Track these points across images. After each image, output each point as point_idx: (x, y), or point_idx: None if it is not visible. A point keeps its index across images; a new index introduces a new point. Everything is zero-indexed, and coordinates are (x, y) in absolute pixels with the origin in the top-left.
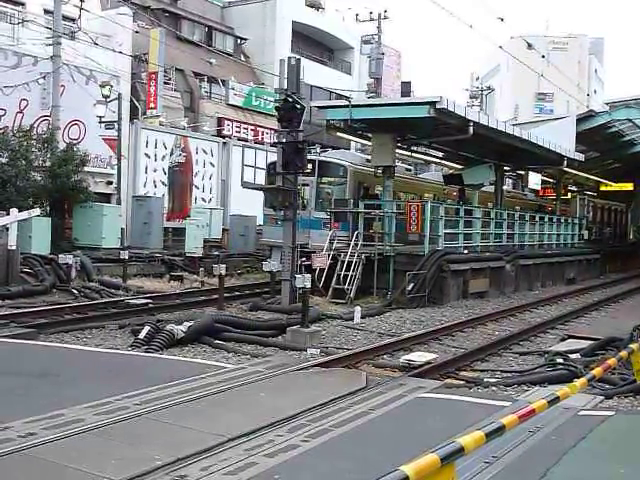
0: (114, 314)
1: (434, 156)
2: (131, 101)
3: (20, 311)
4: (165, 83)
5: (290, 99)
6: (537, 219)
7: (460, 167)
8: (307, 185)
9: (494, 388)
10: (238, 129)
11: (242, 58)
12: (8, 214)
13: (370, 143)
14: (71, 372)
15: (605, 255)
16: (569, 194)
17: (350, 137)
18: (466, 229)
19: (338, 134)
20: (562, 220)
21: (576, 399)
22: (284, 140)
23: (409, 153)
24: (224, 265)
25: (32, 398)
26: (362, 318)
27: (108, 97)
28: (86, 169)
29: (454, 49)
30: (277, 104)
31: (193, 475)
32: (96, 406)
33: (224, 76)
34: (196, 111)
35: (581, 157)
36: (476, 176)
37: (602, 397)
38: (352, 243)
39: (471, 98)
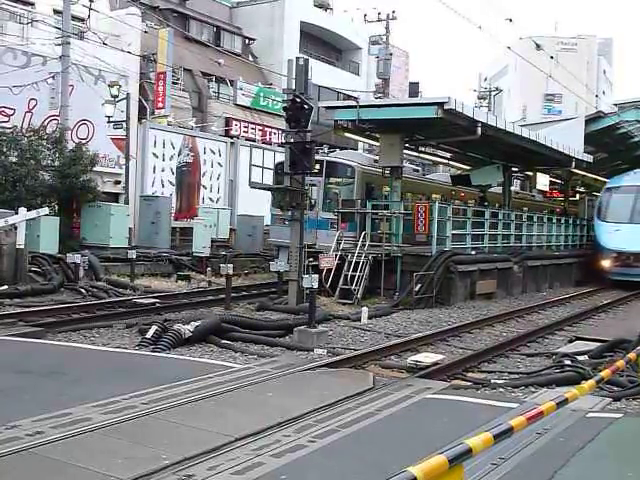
0: (122, 313)
1: (442, 157)
2: (139, 101)
3: (28, 310)
4: (173, 83)
5: (298, 99)
6: (545, 220)
7: (468, 168)
8: (315, 185)
9: (501, 389)
10: (246, 129)
11: (250, 58)
12: (17, 213)
13: (378, 144)
14: (78, 371)
15: None
16: (577, 195)
17: (358, 137)
18: (474, 230)
19: (346, 134)
20: (570, 221)
21: (584, 401)
22: (292, 140)
23: (417, 154)
24: (231, 265)
25: (40, 397)
26: (369, 319)
27: (116, 97)
28: (94, 169)
29: (462, 50)
30: (285, 104)
31: (200, 474)
32: (103, 405)
33: (232, 76)
34: (204, 111)
35: (589, 158)
36: (484, 177)
37: (610, 399)
38: (359, 243)
39: (479, 99)
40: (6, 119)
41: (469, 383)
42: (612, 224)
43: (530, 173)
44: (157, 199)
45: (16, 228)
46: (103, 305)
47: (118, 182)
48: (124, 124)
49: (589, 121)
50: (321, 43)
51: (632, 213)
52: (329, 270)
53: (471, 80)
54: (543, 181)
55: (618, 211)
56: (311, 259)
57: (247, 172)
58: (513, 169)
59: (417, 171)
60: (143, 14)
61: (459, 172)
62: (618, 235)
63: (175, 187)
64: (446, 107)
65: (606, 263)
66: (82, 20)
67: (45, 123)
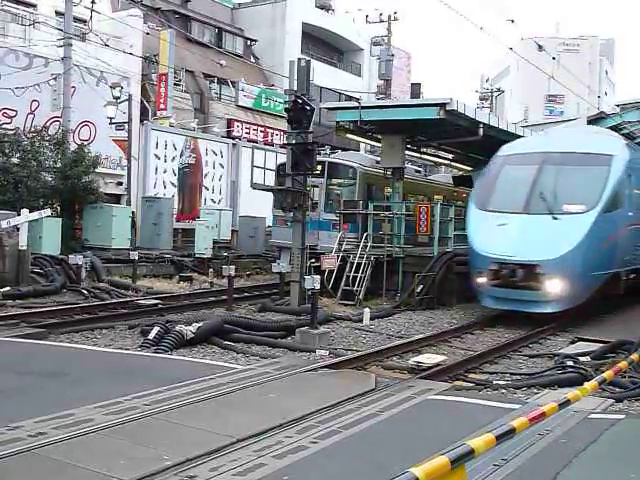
0: (124, 314)
1: (444, 158)
2: (141, 102)
3: (30, 311)
4: (175, 84)
5: (300, 100)
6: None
7: (470, 169)
8: (316, 186)
9: (503, 391)
10: (248, 130)
11: (252, 59)
12: (19, 214)
13: (380, 145)
14: (81, 372)
15: None
16: None
17: (359, 138)
18: None
19: (347, 135)
20: None
21: (586, 402)
22: (293, 141)
23: (419, 155)
24: (233, 266)
25: (42, 398)
26: (371, 320)
27: (118, 98)
28: (96, 170)
29: (464, 51)
30: (287, 105)
31: (202, 475)
32: (105, 406)
33: (234, 77)
34: (206, 112)
35: None
36: None
37: (612, 400)
38: (361, 244)
39: (481, 100)
40: (8, 120)
41: (471, 384)
42: (495, 215)
43: None
44: (159, 200)
45: (18, 229)
46: (105, 306)
47: (120, 183)
48: (126, 125)
49: (591, 122)
50: (323, 44)
51: (530, 197)
52: (331, 271)
53: (473, 81)
54: None
55: (508, 194)
56: (313, 260)
57: (249, 173)
58: None
59: (419, 172)
60: (145, 15)
61: (461, 173)
62: (503, 233)
63: (177, 188)
64: (448, 108)
65: (481, 279)
66: (84, 21)
67: (47, 124)
